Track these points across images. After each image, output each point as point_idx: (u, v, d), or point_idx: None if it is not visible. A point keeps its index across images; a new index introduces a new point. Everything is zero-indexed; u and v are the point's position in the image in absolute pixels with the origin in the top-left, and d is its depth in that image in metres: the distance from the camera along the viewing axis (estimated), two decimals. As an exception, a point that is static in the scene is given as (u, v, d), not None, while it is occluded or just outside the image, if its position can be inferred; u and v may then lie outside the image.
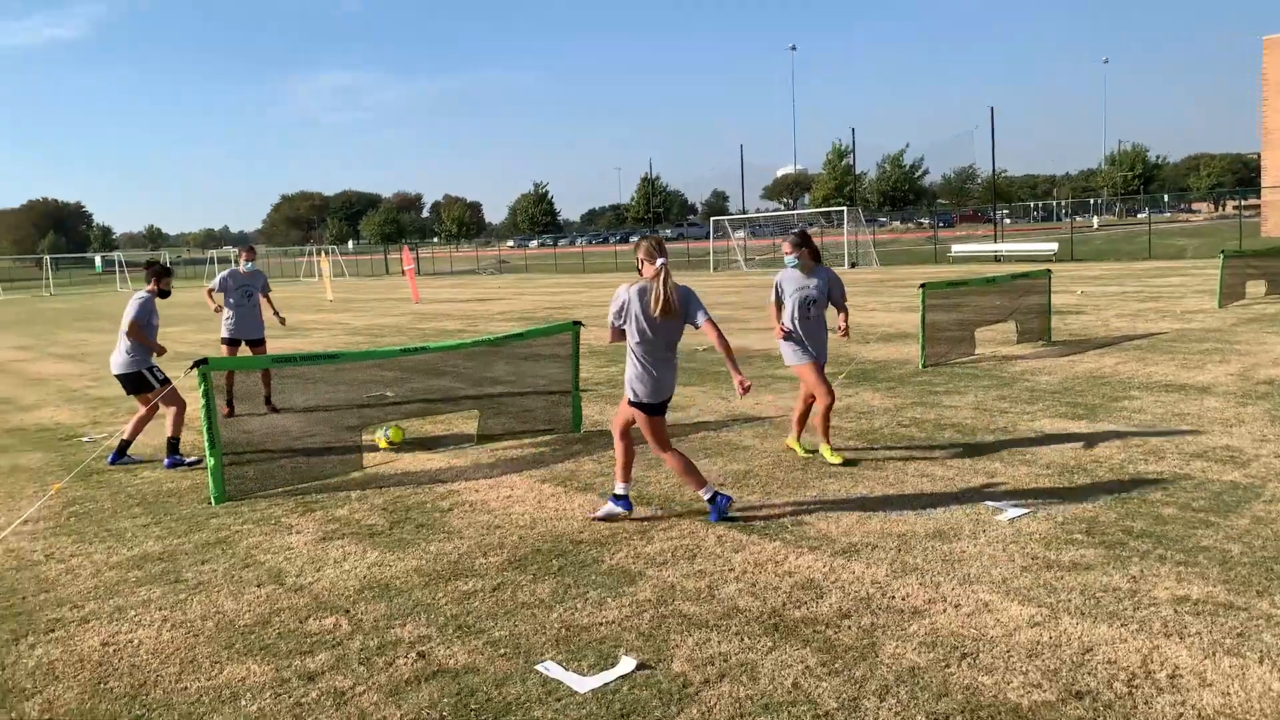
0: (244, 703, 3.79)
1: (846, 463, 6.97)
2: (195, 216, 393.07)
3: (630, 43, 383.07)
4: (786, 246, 7.14)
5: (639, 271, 5.80)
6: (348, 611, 4.69)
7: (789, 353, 7.06)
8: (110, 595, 5.06)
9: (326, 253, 54.17)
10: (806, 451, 7.32)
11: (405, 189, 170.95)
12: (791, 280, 7.05)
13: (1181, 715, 3.40)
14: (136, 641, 4.44)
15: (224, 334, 10.31)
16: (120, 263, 67.80)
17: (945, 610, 4.36)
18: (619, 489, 5.96)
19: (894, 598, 4.53)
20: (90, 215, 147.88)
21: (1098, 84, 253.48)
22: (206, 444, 6.74)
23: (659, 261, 5.66)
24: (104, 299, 46.73)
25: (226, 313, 10.31)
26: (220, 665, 4.14)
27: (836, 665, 3.88)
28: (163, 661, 4.21)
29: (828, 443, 7.13)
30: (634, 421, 5.85)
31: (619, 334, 5.83)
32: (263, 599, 4.91)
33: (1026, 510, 5.75)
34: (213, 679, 4.02)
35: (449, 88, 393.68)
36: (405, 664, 4.07)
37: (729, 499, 5.83)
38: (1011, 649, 3.96)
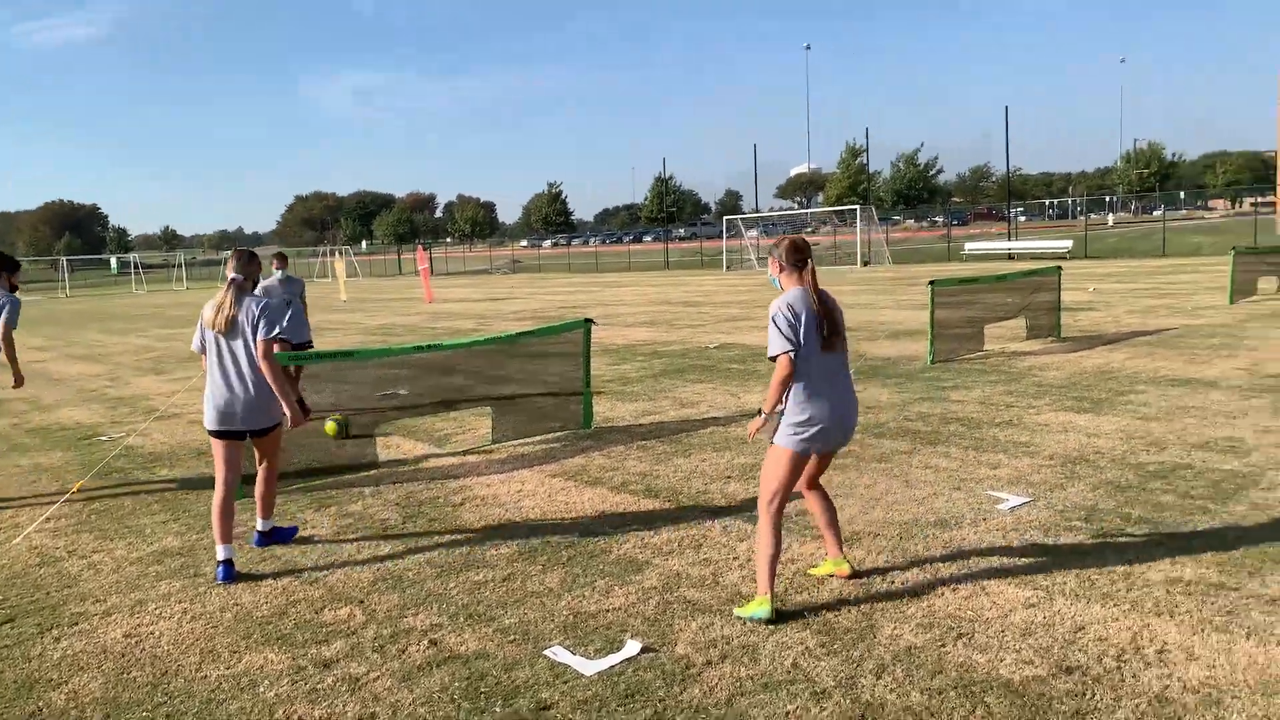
0: (262, 689, 3.93)
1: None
2: (210, 218, 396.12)
3: (645, 42, 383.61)
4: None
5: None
6: (362, 602, 4.83)
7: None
8: (131, 589, 5.21)
9: (340, 253, 54.55)
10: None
11: (419, 189, 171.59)
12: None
13: (1167, 687, 3.49)
14: (158, 633, 4.59)
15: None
16: (136, 264, 68.45)
17: (943, 594, 4.47)
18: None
19: (893, 583, 4.63)
20: (106, 217, 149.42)
21: (1114, 82, 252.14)
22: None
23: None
24: (120, 300, 47.20)
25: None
26: (239, 654, 4.29)
27: (835, 646, 3.99)
28: (183, 651, 4.36)
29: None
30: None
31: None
32: (279, 591, 5.05)
33: (1027, 500, 5.84)
34: (232, 667, 4.16)
35: (463, 88, 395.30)
36: (418, 651, 4.20)
37: None
38: (1006, 629, 4.06)
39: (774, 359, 4.26)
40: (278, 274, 10.08)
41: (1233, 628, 3.96)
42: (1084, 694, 3.50)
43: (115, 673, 4.16)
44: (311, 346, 10.37)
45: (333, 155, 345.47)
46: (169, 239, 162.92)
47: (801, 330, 4.26)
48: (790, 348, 4.22)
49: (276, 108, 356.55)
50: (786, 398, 4.31)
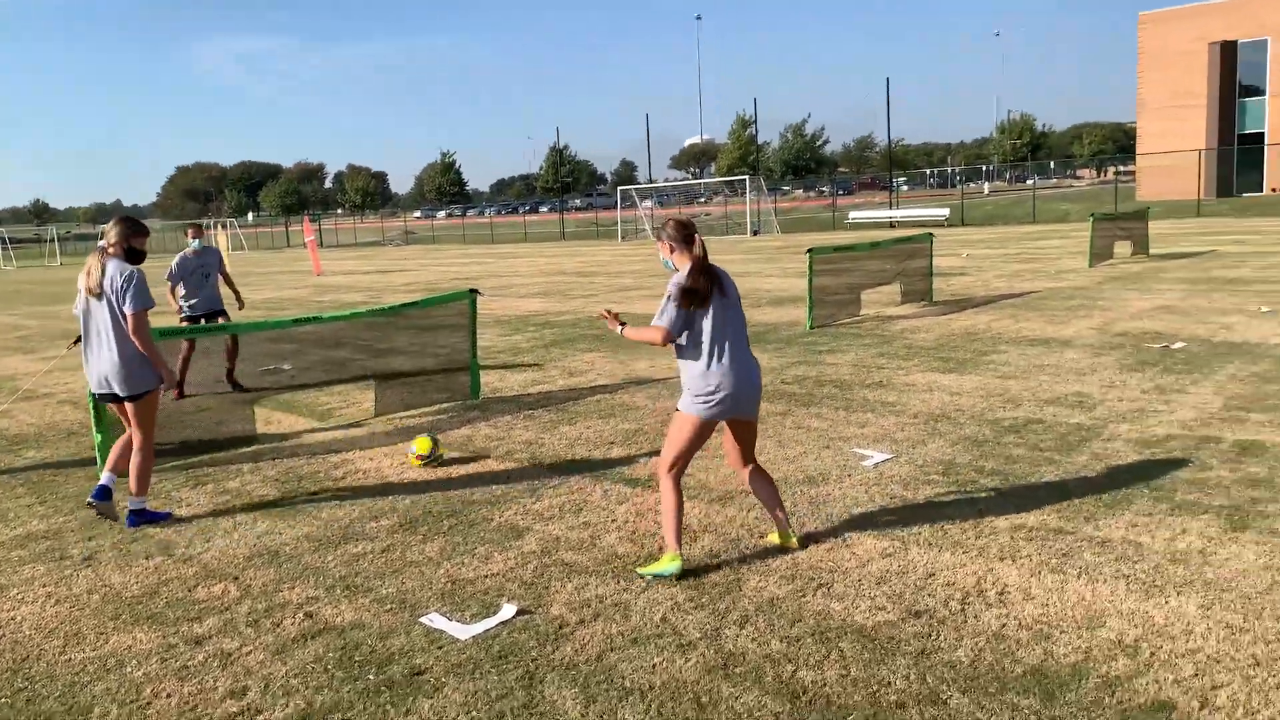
0: (129, 669, 3.88)
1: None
2: (85, 190, 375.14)
3: (539, 10, 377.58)
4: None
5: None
6: (236, 578, 4.78)
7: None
8: (-8, 574, 5.03)
9: (224, 225, 52.46)
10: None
11: (307, 159, 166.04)
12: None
13: (1004, 625, 3.79)
14: (19, 618, 4.46)
15: (185, 313, 9.64)
16: (4, 239, 64.30)
17: (808, 547, 4.70)
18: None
19: (761, 538, 4.84)
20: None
21: (991, 56, 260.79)
22: (93, 420, 6.67)
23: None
24: (-19, 281, 44.36)
25: (182, 291, 9.61)
26: (105, 636, 4.21)
27: (703, 600, 4.17)
28: (46, 636, 4.25)
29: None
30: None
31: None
32: (150, 570, 4.96)
33: (890, 456, 6.15)
34: (98, 649, 4.08)
35: (353, 55, 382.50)
36: (292, 624, 4.20)
37: None
38: (863, 578, 4.31)
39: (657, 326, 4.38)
40: (194, 244, 9.83)
41: (1066, 569, 4.30)
42: (930, 635, 3.76)
43: (-28, 660, 4.04)
44: (225, 316, 10.02)
45: (216, 124, 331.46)
46: (40, 212, 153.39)
47: (695, 313, 4.38)
48: (671, 329, 4.36)
49: (156, 75, 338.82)
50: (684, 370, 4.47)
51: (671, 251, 4.59)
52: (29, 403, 9.92)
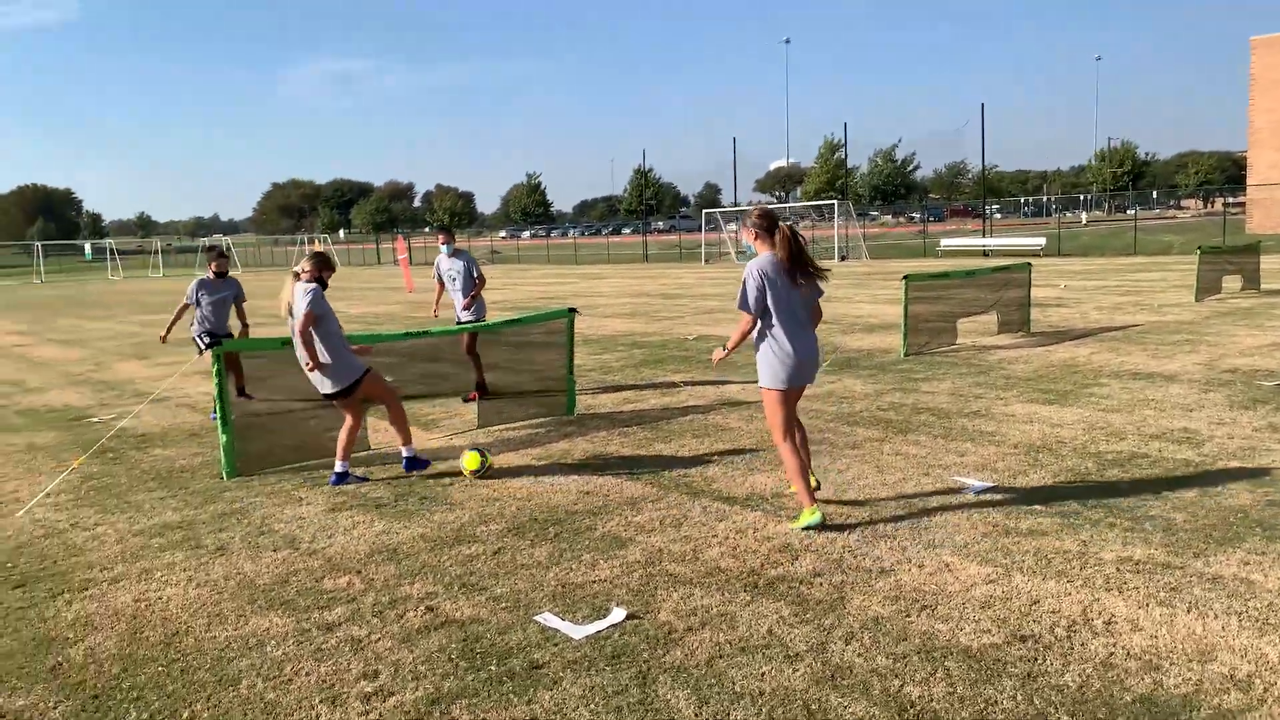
0: (269, 649, 4.17)
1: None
2: (186, 204, 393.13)
3: (625, 33, 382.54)
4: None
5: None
6: (359, 572, 5.07)
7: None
8: (136, 559, 5.43)
9: (319, 240, 54.33)
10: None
11: (397, 178, 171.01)
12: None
13: (1112, 654, 3.81)
14: (165, 598, 4.82)
15: (204, 338, 9.84)
16: (111, 250, 67.76)
17: (909, 570, 4.77)
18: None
19: (863, 559, 4.93)
20: (80, 202, 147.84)
21: (1090, 81, 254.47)
22: (219, 422, 7.10)
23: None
24: (95, 286, 46.86)
25: (197, 314, 9.93)
26: (245, 618, 4.52)
27: (807, 615, 4.28)
28: (192, 615, 4.59)
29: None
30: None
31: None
32: (279, 561, 5.29)
33: (991, 484, 6.15)
34: (239, 629, 4.39)
35: (442, 77, 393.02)
36: (415, 616, 4.46)
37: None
38: (967, 602, 4.36)
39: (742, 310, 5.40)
40: (444, 249, 10.25)
41: (1175, 602, 4.28)
42: (1035, 659, 3.80)
43: (128, 632, 4.39)
44: (232, 338, 10.49)
45: (310, 143, 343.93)
46: (144, 225, 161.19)
47: (770, 293, 5.29)
48: (752, 309, 5.31)
49: (254, 94, 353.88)
50: (758, 348, 5.44)
51: (755, 239, 5.36)
52: (152, 406, 10.54)
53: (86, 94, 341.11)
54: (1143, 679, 3.61)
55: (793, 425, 5.50)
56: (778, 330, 5.37)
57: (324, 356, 6.63)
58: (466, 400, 9.62)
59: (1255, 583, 4.46)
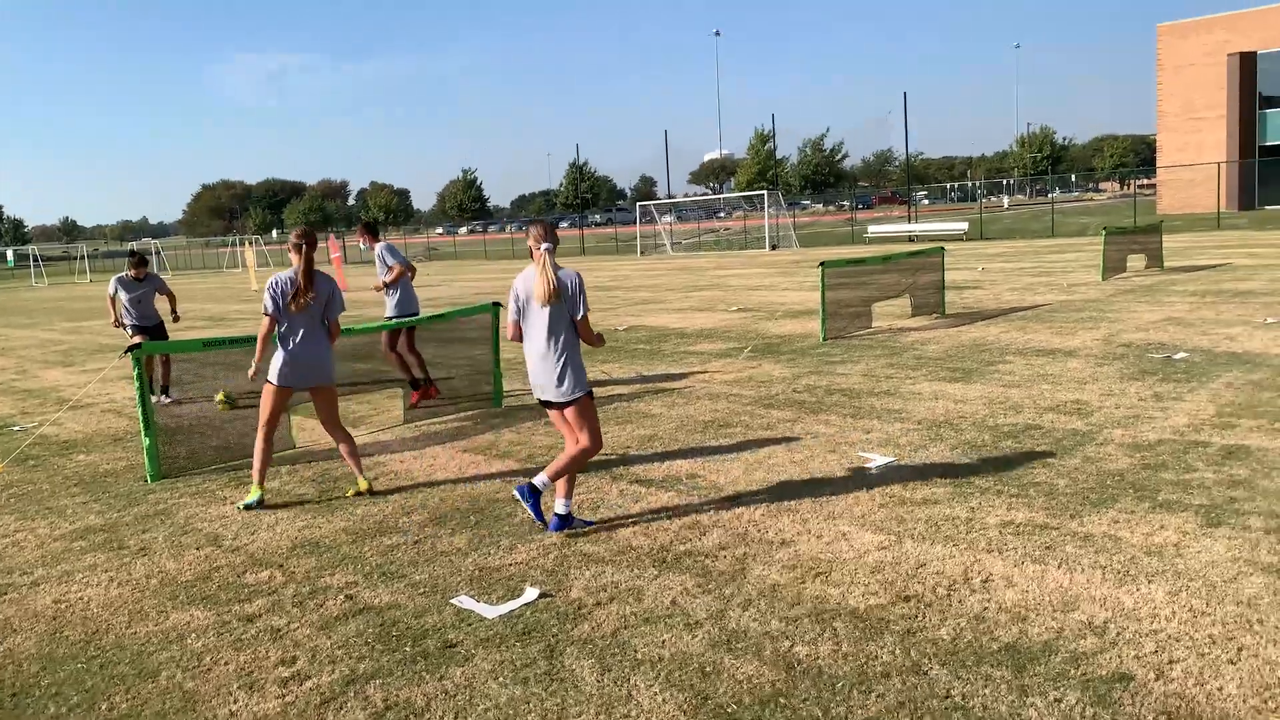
0: (190, 641, 4.29)
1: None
2: (112, 207, 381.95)
3: (559, 28, 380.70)
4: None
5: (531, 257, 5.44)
6: (281, 566, 5.19)
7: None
8: (57, 562, 5.47)
9: (250, 242, 53.39)
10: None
11: (330, 176, 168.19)
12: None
13: (985, 609, 4.13)
14: (86, 599, 4.89)
15: (134, 326, 10.44)
16: (34, 256, 65.63)
17: (808, 540, 5.05)
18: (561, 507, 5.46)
19: (766, 532, 5.20)
20: (0, 207, 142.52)
21: (1010, 69, 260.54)
22: (141, 425, 7.12)
23: (544, 246, 5.30)
24: (19, 294, 45.42)
25: (123, 308, 10.48)
26: (166, 614, 4.62)
27: (710, 586, 4.53)
28: (113, 613, 4.67)
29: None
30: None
31: (518, 329, 5.45)
32: (202, 559, 5.38)
33: (892, 459, 6.49)
34: (160, 625, 4.50)
35: (374, 73, 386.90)
36: (334, 605, 4.61)
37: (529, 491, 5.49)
38: (859, 568, 4.66)
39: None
40: (363, 248, 10.21)
41: (1048, 560, 4.63)
42: (916, 617, 4.10)
43: (48, 633, 4.47)
44: (162, 328, 10.74)
45: (240, 142, 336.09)
46: (69, 230, 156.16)
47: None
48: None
49: (179, 93, 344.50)
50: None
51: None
52: (74, 412, 10.43)
53: (7, 93, 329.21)
54: (1010, 629, 3.93)
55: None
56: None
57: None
58: (411, 407, 9.11)
59: (1122, 539, 4.83)
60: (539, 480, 5.41)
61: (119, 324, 10.71)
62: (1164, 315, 12.52)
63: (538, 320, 5.32)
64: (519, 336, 5.45)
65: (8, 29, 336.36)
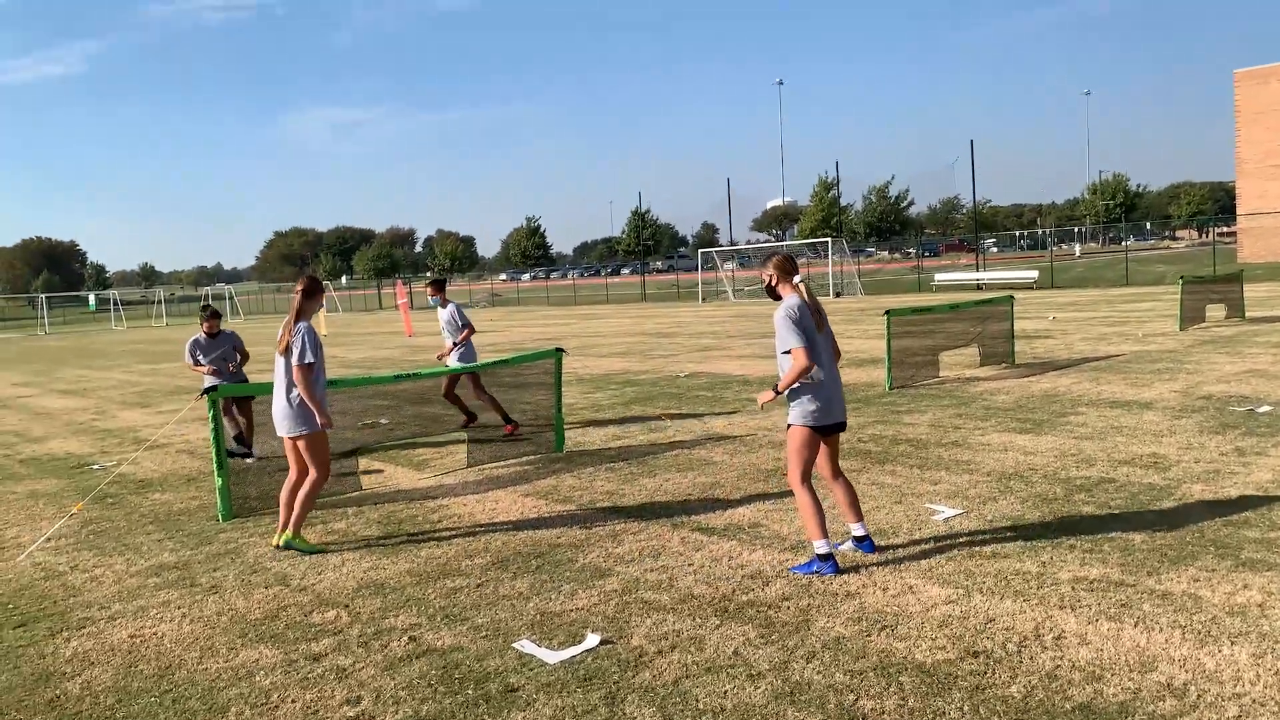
0: (258, 679, 4.37)
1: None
2: (189, 254, 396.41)
3: (621, 76, 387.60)
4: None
5: (771, 293, 5.52)
6: (347, 606, 5.27)
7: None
8: (133, 598, 5.63)
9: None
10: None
11: (398, 224, 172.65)
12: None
13: (1058, 667, 4.00)
14: (160, 634, 5.01)
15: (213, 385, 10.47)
16: (115, 301, 68.36)
17: (874, 592, 4.96)
18: (820, 546, 5.29)
19: (830, 583, 5.12)
20: (84, 254, 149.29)
21: (1080, 115, 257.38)
22: (214, 466, 7.33)
23: (797, 279, 5.43)
24: (100, 337, 47.27)
25: (207, 367, 10.11)
26: (236, 651, 4.72)
27: (773, 637, 4.47)
28: (185, 649, 4.78)
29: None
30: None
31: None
32: (270, 598, 5.49)
33: (960, 511, 6.36)
34: (229, 661, 4.59)
35: (441, 123, 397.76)
36: (399, 646, 4.65)
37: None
38: (925, 621, 4.56)
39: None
40: (432, 302, 10.60)
41: (1124, 618, 4.47)
42: (985, 673, 3.99)
43: (123, 666, 4.59)
44: (249, 398, 10.80)
45: (311, 191, 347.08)
46: (147, 275, 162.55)
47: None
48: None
49: (254, 143, 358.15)
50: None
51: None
52: (150, 452, 10.77)
53: (91, 146, 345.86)
54: (1084, 689, 3.80)
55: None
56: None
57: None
58: (463, 427, 10.09)
59: (1202, 598, 4.65)
60: (857, 529, 5.59)
61: (197, 365, 10.79)
62: (1246, 367, 12.11)
63: (825, 347, 5.40)
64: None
65: (97, 85, 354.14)
